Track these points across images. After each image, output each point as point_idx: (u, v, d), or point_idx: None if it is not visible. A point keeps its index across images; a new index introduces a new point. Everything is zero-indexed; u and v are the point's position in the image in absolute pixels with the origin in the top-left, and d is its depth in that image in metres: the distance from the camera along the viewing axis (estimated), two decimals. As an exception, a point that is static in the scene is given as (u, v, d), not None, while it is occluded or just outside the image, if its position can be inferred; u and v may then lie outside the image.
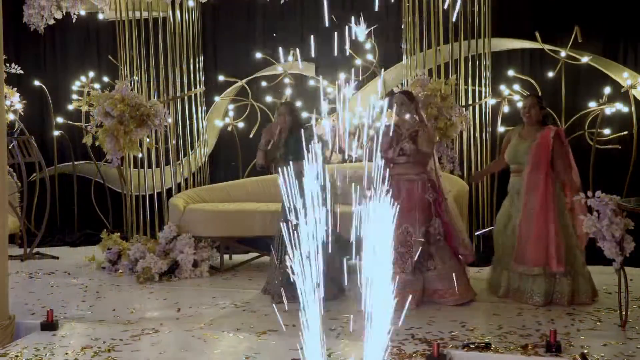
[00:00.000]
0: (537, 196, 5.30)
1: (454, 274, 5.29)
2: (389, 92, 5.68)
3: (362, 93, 7.72)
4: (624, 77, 7.19)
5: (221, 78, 8.24)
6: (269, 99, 8.08)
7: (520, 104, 7.33)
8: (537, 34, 7.22)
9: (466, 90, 7.16)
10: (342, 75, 7.70)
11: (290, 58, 7.86)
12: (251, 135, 7.96)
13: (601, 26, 7.39)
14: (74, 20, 7.33)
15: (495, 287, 5.62)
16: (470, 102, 7.15)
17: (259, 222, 6.52)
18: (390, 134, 5.37)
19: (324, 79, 7.85)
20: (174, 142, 7.53)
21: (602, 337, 4.51)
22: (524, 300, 5.33)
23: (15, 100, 8.21)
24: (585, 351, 4.18)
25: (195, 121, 7.87)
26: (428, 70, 7.04)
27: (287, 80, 7.94)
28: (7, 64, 7.88)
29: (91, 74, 8.64)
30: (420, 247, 5.20)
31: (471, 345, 4.30)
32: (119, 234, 7.11)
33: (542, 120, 5.50)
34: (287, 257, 5.52)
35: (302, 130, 5.43)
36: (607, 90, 7.24)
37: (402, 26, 7.35)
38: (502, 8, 7.38)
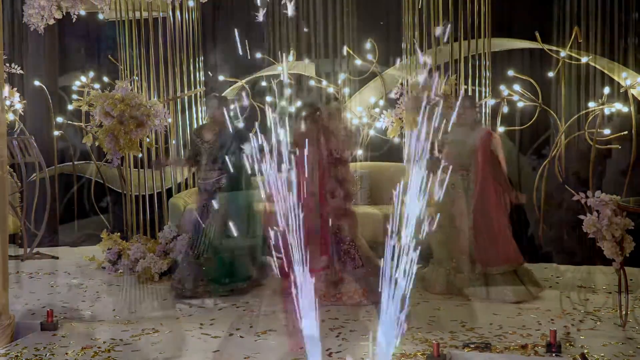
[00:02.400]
0: (490, 198, 5.48)
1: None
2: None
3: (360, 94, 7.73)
4: (623, 77, 7.19)
5: (221, 78, 8.23)
6: (269, 99, 8.06)
7: (520, 104, 7.34)
8: (537, 34, 7.21)
9: (466, 90, 7.15)
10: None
11: (290, 58, 7.85)
12: (251, 135, 7.94)
13: (601, 26, 7.38)
14: (74, 20, 7.32)
15: (430, 283, 5.73)
16: (470, 102, 7.14)
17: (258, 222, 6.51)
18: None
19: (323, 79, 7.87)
20: (174, 142, 7.53)
21: (602, 337, 4.51)
22: (501, 299, 5.40)
23: (15, 100, 8.20)
24: (585, 351, 4.18)
25: (195, 121, 7.87)
26: (428, 70, 7.03)
27: (287, 81, 7.92)
28: (7, 64, 7.87)
29: (91, 74, 8.62)
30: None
31: (471, 345, 4.31)
32: (119, 234, 7.10)
33: (476, 120, 5.73)
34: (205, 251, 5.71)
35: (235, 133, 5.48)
36: (607, 90, 7.24)
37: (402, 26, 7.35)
38: (502, 8, 7.37)
